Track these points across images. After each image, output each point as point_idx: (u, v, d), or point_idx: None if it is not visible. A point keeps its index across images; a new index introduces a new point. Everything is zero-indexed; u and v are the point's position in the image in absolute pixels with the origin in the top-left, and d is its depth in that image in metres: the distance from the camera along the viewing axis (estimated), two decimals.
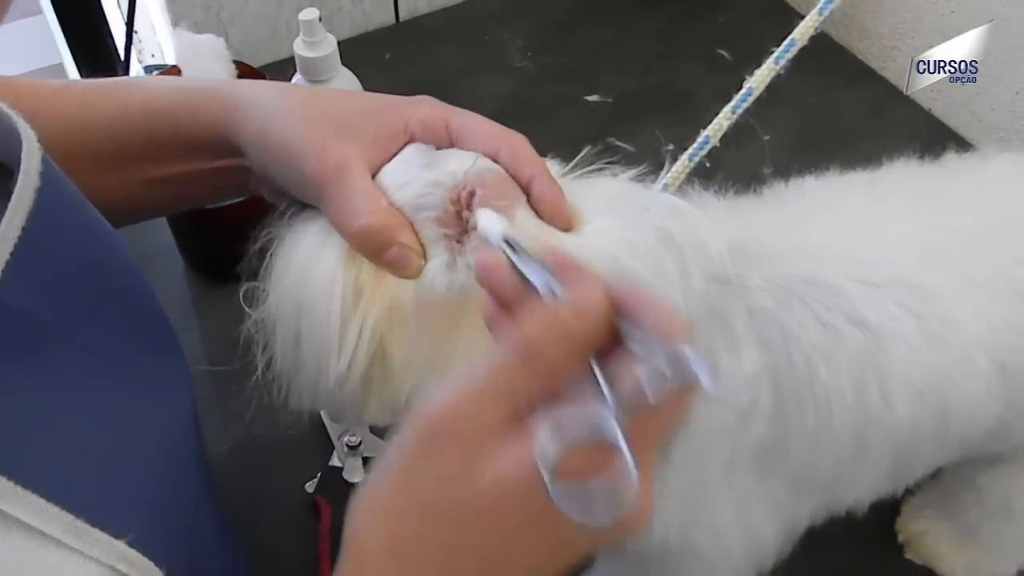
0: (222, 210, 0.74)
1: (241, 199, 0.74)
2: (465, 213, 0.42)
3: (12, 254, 0.33)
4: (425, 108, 0.45)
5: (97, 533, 0.33)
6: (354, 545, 0.33)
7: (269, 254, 0.44)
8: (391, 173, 0.44)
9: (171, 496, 0.41)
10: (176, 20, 0.96)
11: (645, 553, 0.52)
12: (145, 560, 0.35)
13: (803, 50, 0.49)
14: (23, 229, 0.33)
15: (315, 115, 0.44)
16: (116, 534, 0.34)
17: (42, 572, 0.32)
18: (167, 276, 0.85)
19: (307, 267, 0.43)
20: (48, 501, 0.31)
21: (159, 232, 0.85)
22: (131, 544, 0.34)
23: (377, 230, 0.41)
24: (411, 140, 0.45)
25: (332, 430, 0.71)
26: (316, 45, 0.76)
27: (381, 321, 0.42)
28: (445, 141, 0.45)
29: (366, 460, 0.69)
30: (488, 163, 0.43)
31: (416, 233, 0.42)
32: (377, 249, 0.41)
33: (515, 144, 0.44)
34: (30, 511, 0.31)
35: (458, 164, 0.43)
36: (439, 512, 0.32)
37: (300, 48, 0.76)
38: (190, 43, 0.76)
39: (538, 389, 0.32)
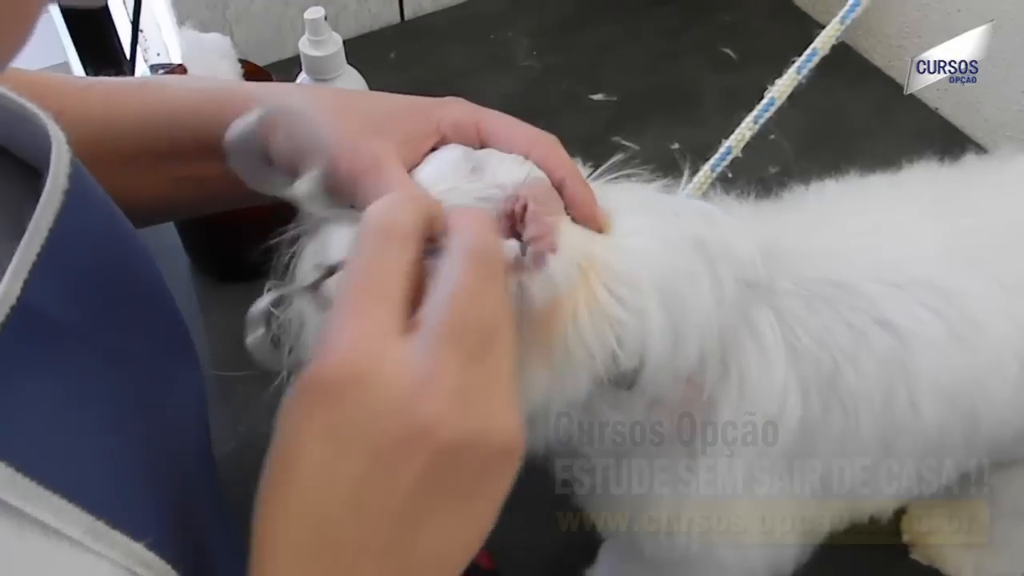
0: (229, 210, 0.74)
1: None
2: (518, 226, 0.41)
3: (39, 255, 0.33)
4: (455, 109, 0.45)
5: (117, 535, 0.33)
6: None
7: (296, 253, 0.43)
8: (431, 175, 0.43)
9: (184, 497, 0.40)
10: (182, 19, 0.96)
11: (662, 559, 0.52)
12: (163, 564, 0.35)
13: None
14: (50, 231, 0.33)
15: (346, 115, 0.44)
16: (135, 537, 0.33)
17: (57, 573, 0.31)
18: (173, 275, 0.84)
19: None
20: (69, 502, 0.31)
21: (165, 232, 0.85)
22: (149, 547, 0.34)
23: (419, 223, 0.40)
24: (442, 141, 0.45)
25: None
26: (321, 44, 0.76)
27: None
28: (475, 142, 0.45)
29: None
30: (535, 171, 0.43)
31: None
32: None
33: (547, 146, 0.44)
34: (51, 512, 0.30)
35: (507, 175, 0.42)
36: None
37: (305, 47, 0.77)
38: (196, 42, 0.76)
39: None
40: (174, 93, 0.49)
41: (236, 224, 0.69)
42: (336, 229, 0.43)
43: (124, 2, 1.03)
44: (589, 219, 0.43)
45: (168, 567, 0.35)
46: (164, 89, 0.50)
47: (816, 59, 0.48)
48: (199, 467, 0.44)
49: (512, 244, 0.40)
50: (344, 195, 0.43)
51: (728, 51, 1.05)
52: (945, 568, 0.67)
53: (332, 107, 0.44)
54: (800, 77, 0.48)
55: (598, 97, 1.01)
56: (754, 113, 0.49)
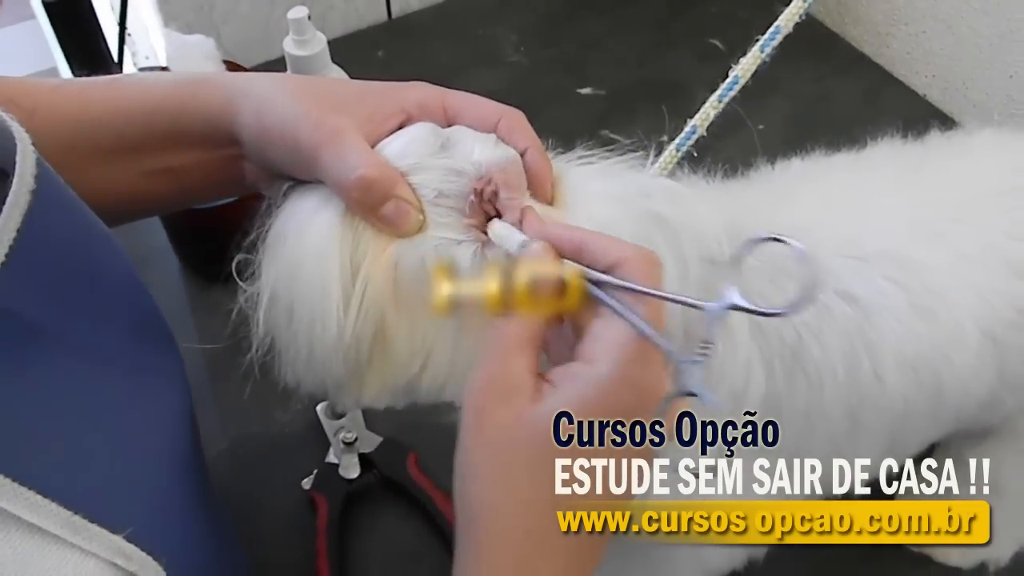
0: (215, 209, 0.74)
1: (234, 199, 0.74)
2: (486, 206, 0.42)
3: (7, 256, 0.33)
4: (420, 90, 0.46)
5: (95, 528, 0.33)
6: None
7: (265, 228, 0.44)
8: (398, 148, 0.43)
9: (168, 490, 0.41)
10: (168, 21, 0.96)
11: (643, 553, 0.52)
12: (144, 555, 0.35)
13: (797, 38, 0.49)
14: (18, 231, 0.34)
15: (310, 94, 0.44)
16: (114, 529, 0.34)
17: (43, 570, 0.32)
18: (162, 277, 0.85)
19: (301, 232, 0.42)
20: (45, 497, 0.32)
21: (154, 234, 0.85)
22: (129, 539, 0.35)
23: (374, 181, 0.41)
24: (407, 119, 0.45)
25: (328, 427, 0.71)
26: (306, 43, 0.76)
27: (383, 295, 0.41)
28: (442, 121, 0.45)
29: (362, 456, 0.69)
30: (507, 151, 0.43)
31: (413, 189, 0.42)
32: (374, 203, 0.41)
33: (513, 119, 0.45)
34: (28, 508, 0.31)
35: (483, 154, 0.43)
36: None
37: (290, 47, 0.77)
38: (179, 43, 0.76)
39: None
40: (146, 86, 0.49)
41: (223, 225, 0.69)
42: (298, 202, 0.44)
43: (112, 5, 1.03)
44: (540, 191, 0.44)
45: (149, 558, 0.36)
46: (136, 83, 0.50)
47: (779, 37, 0.48)
48: (185, 458, 0.44)
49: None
50: (305, 170, 0.44)
51: (715, 42, 1.05)
52: (934, 554, 0.67)
53: (296, 89, 0.45)
54: (764, 56, 0.48)
55: (586, 91, 1.01)
56: (718, 92, 0.48)
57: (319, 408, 0.72)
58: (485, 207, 0.43)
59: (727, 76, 0.50)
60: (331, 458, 0.69)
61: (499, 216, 0.43)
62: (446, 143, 0.44)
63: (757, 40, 0.49)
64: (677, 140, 0.49)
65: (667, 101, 1.01)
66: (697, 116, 0.49)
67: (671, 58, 1.05)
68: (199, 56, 0.75)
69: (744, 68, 0.48)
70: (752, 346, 0.46)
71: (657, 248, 0.42)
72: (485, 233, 0.42)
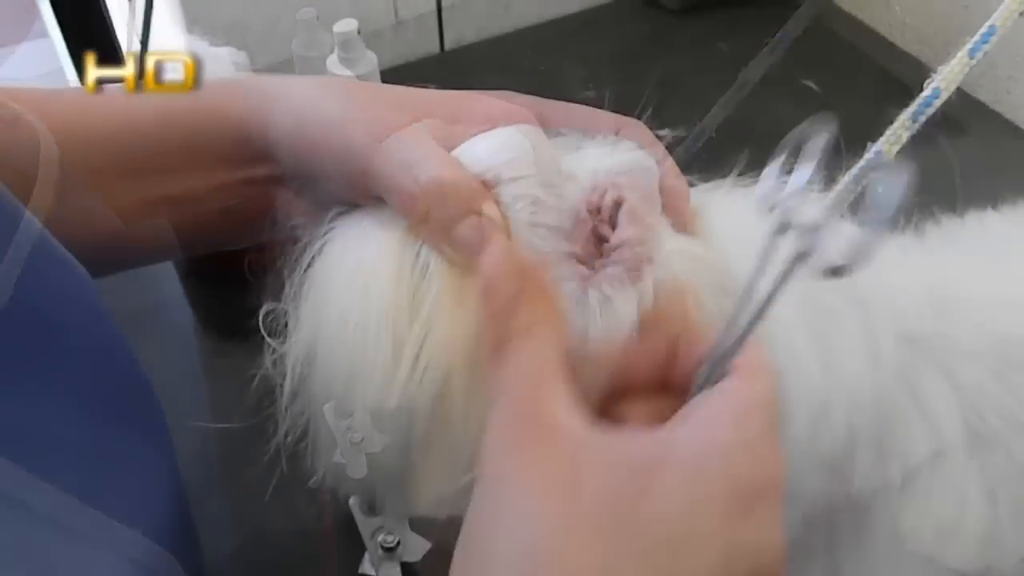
0: (237, 254, 0.66)
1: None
2: (604, 229, 0.33)
3: (31, 253, 0.32)
4: (510, 98, 0.39)
5: (116, 525, 0.33)
6: None
7: (301, 270, 0.36)
8: (483, 152, 0.34)
9: (181, 495, 0.41)
10: (191, 27, 0.90)
11: None
12: (163, 551, 0.35)
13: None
14: (40, 231, 0.33)
15: (366, 93, 0.38)
16: (132, 526, 0.34)
17: (67, 565, 0.32)
18: (172, 334, 0.76)
19: (343, 265, 0.34)
20: (68, 495, 0.32)
21: (166, 282, 0.76)
22: (145, 534, 0.35)
23: (451, 185, 0.32)
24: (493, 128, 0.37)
25: (363, 526, 0.58)
26: (353, 63, 0.69)
27: (450, 349, 0.32)
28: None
29: (405, 566, 0.57)
30: (641, 157, 0.35)
31: (500, 205, 0.33)
32: (447, 219, 0.32)
33: (634, 129, 0.38)
34: (57, 505, 0.31)
35: (598, 159, 0.34)
36: None
37: (335, 66, 0.70)
38: (203, 52, 0.69)
39: None
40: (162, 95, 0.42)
41: (249, 268, 0.61)
42: (343, 229, 0.35)
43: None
44: (676, 216, 0.36)
45: (168, 554, 0.36)
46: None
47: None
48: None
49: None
50: (358, 179, 0.35)
51: (810, 84, 0.98)
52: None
53: (348, 89, 0.39)
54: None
55: (663, 132, 0.94)
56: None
57: (352, 502, 0.60)
58: (601, 229, 0.33)
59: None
60: (366, 567, 0.57)
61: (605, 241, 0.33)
62: (558, 150, 0.35)
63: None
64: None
65: (755, 145, 0.94)
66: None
67: (759, 99, 0.99)
68: (217, 64, 0.67)
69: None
70: (969, 463, 0.37)
71: (837, 311, 0.35)
72: (591, 267, 0.33)
